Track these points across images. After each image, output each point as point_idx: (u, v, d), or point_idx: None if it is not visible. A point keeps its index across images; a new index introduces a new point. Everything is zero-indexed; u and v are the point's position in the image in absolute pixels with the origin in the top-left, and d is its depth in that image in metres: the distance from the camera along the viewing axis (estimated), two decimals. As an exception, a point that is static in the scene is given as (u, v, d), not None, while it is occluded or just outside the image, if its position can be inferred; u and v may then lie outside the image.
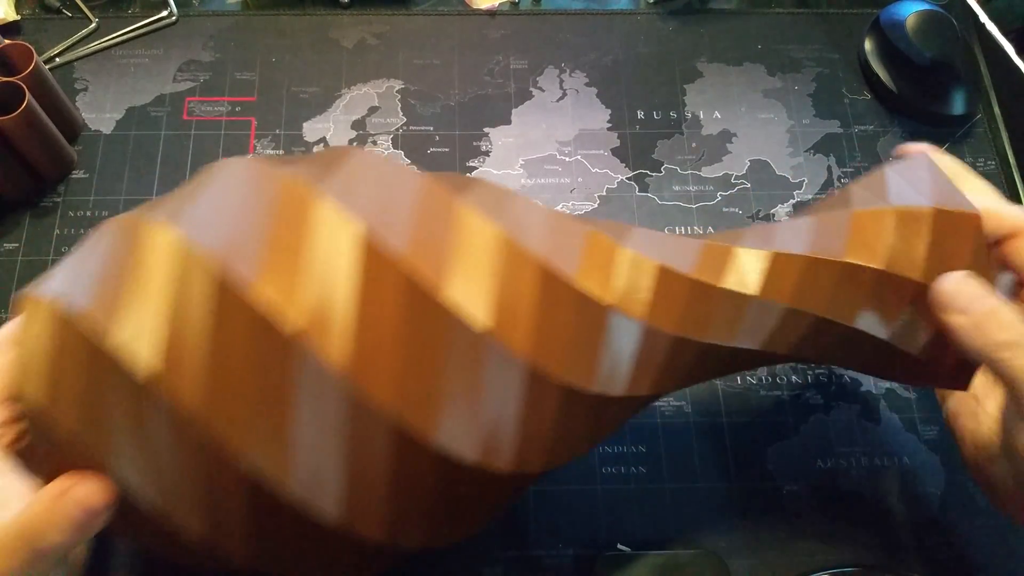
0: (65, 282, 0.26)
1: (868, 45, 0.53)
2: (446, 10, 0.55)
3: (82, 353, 0.24)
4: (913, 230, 0.30)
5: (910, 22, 0.50)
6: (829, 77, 0.54)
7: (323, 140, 0.49)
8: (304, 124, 0.50)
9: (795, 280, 0.30)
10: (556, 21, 0.55)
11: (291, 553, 0.27)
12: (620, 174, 0.50)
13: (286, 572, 0.28)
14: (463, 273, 0.26)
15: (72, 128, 0.48)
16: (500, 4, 0.55)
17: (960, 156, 0.51)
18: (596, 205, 0.49)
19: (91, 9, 0.53)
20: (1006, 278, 0.32)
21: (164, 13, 0.53)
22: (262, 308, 0.23)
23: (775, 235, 0.31)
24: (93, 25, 0.52)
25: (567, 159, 0.50)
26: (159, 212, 0.26)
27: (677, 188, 0.49)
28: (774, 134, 0.51)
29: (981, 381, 0.34)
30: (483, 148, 0.50)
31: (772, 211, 0.49)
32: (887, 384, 0.44)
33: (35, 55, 0.44)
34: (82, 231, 0.46)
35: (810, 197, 0.49)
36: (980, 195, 0.32)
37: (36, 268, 0.45)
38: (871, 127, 0.52)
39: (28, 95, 0.42)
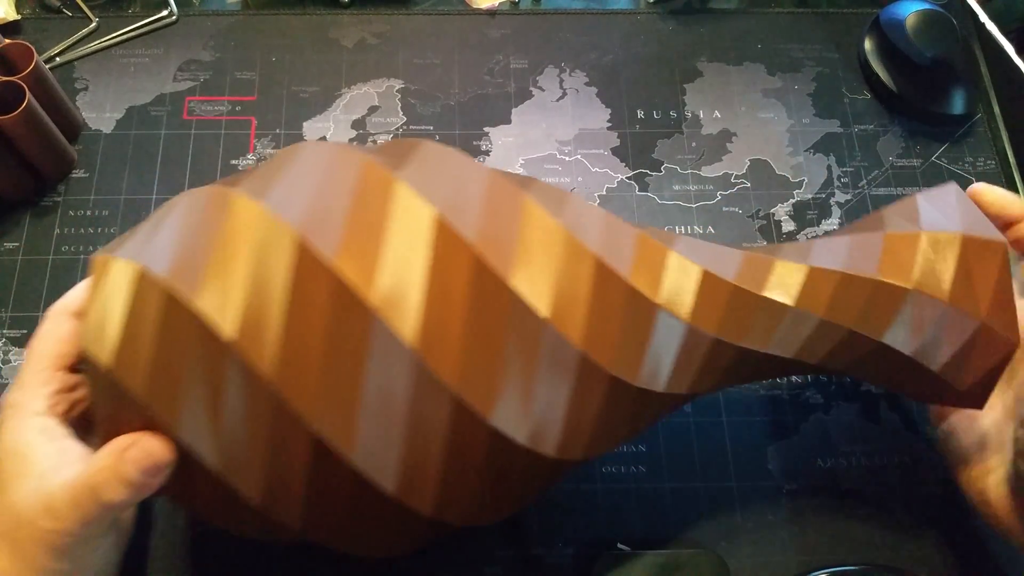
0: (141, 247, 0.27)
1: (868, 45, 0.53)
2: (446, 10, 0.55)
3: (160, 315, 0.25)
4: (942, 254, 0.32)
5: (910, 22, 0.50)
6: (829, 77, 0.54)
7: (323, 140, 0.49)
8: (304, 123, 0.50)
9: (830, 294, 0.32)
10: (556, 21, 0.55)
11: (341, 522, 0.28)
12: (620, 173, 0.50)
13: (332, 540, 0.29)
14: (528, 262, 0.27)
15: (72, 128, 0.48)
16: (500, 4, 0.55)
17: (960, 156, 0.51)
18: (596, 205, 0.48)
19: (91, 9, 0.53)
20: None
21: (164, 12, 0.53)
22: (341, 282, 0.25)
23: (811, 251, 0.33)
24: (93, 25, 0.52)
25: (567, 158, 0.50)
26: (241, 188, 0.27)
27: (677, 187, 0.49)
28: (774, 134, 0.51)
29: None
30: (483, 147, 0.50)
31: (772, 210, 0.49)
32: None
33: (35, 55, 0.44)
34: (82, 230, 0.46)
35: (810, 197, 0.49)
36: None
37: (36, 267, 0.45)
38: (871, 127, 0.52)
39: (28, 95, 0.42)
